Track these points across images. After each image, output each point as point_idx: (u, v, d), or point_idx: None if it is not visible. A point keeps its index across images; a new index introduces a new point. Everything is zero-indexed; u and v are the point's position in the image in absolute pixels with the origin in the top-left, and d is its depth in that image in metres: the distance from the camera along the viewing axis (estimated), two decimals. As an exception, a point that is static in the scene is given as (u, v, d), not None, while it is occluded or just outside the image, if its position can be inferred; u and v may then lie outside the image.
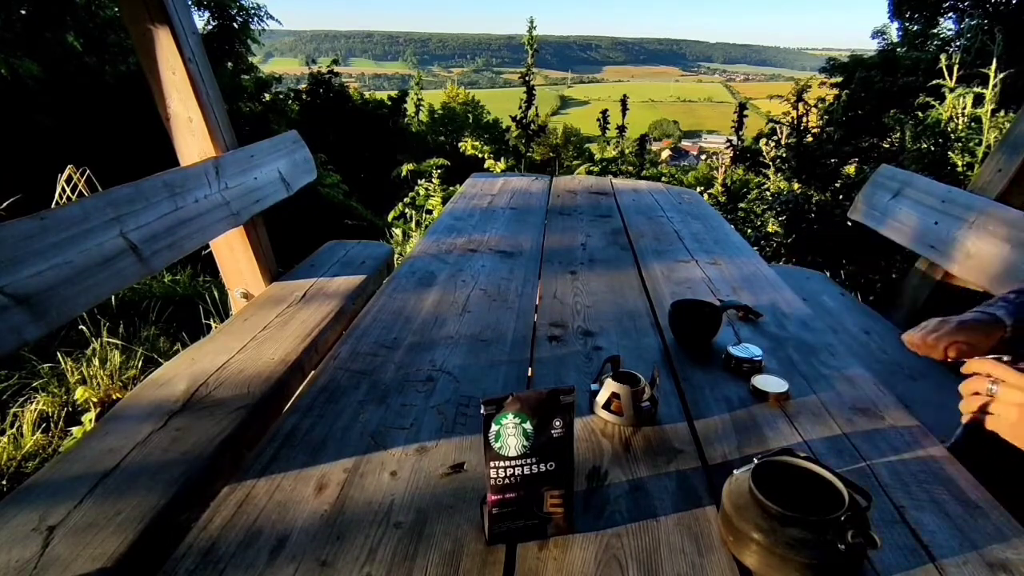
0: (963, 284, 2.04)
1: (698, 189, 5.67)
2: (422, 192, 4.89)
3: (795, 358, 1.28)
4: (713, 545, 0.78)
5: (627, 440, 1.00)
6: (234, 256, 2.30)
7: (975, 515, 0.83)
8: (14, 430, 2.12)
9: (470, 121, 17.92)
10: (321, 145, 7.64)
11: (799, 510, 0.71)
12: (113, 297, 2.91)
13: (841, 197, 4.81)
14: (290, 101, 10.06)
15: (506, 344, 1.33)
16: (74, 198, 3.25)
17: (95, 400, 2.25)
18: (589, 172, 6.27)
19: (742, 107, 6.92)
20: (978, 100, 3.94)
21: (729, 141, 6.69)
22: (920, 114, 4.49)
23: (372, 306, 1.52)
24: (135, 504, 1.06)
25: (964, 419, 0.87)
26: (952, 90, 4.10)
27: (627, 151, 7.26)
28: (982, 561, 0.76)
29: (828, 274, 2.77)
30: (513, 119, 6.46)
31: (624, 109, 7.36)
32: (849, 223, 2.82)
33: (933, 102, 4.31)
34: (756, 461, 0.79)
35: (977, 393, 0.86)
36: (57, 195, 3.31)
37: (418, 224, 4.74)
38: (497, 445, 0.75)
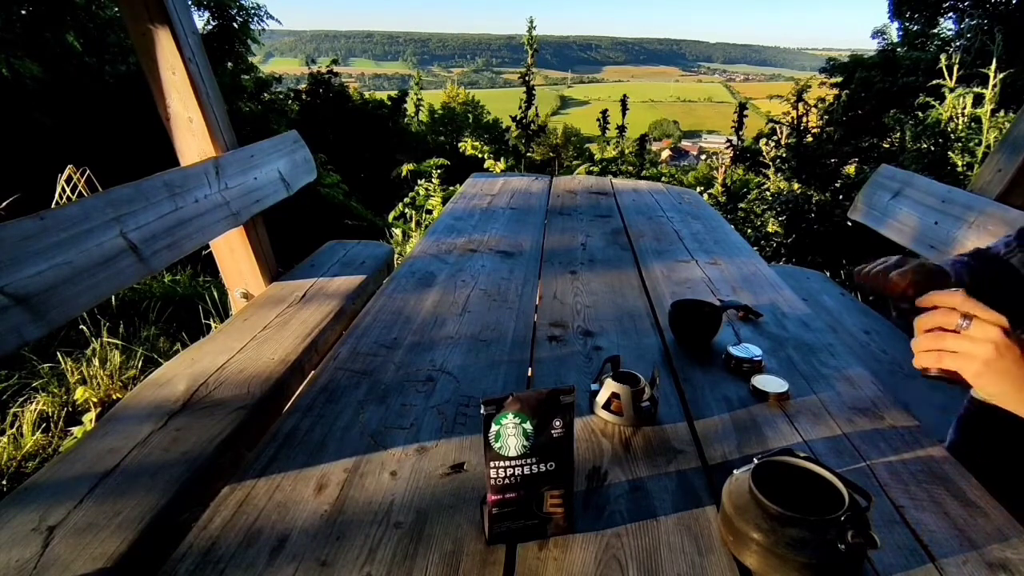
0: (963, 284, 2.04)
1: (698, 189, 5.67)
2: (422, 192, 4.89)
3: (795, 358, 1.28)
4: (713, 545, 0.78)
5: (627, 440, 1.00)
6: (234, 256, 2.30)
7: (975, 515, 0.83)
8: (14, 430, 2.12)
9: (470, 121, 17.91)
10: (321, 145, 7.64)
11: (799, 510, 0.71)
12: (113, 297, 2.91)
13: (841, 197, 4.81)
14: (290, 101, 10.06)
15: (506, 344, 1.33)
16: (74, 198, 3.25)
17: (95, 400, 2.26)
18: (589, 172, 6.27)
19: (742, 107, 6.93)
20: (978, 100, 3.94)
21: (729, 141, 6.69)
22: (920, 114, 4.49)
23: (372, 306, 1.52)
24: (135, 504, 1.06)
25: (917, 361, 0.77)
26: (952, 90, 4.10)
27: (627, 151, 7.26)
28: (982, 561, 0.76)
29: (828, 274, 2.78)
30: (513, 119, 6.46)
31: (624, 109, 7.36)
32: (849, 223, 2.82)
33: (933, 102, 4.31)
34: (756, 461, 0.79)
35: (941, 329, 0.75)
36: (57, 195, 3.31)
37: (418, 224, 4.74)
38: (497, 445, 0.75)
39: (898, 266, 0.99)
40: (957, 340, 0.73)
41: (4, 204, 3.07)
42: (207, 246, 2.26)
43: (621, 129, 7.32)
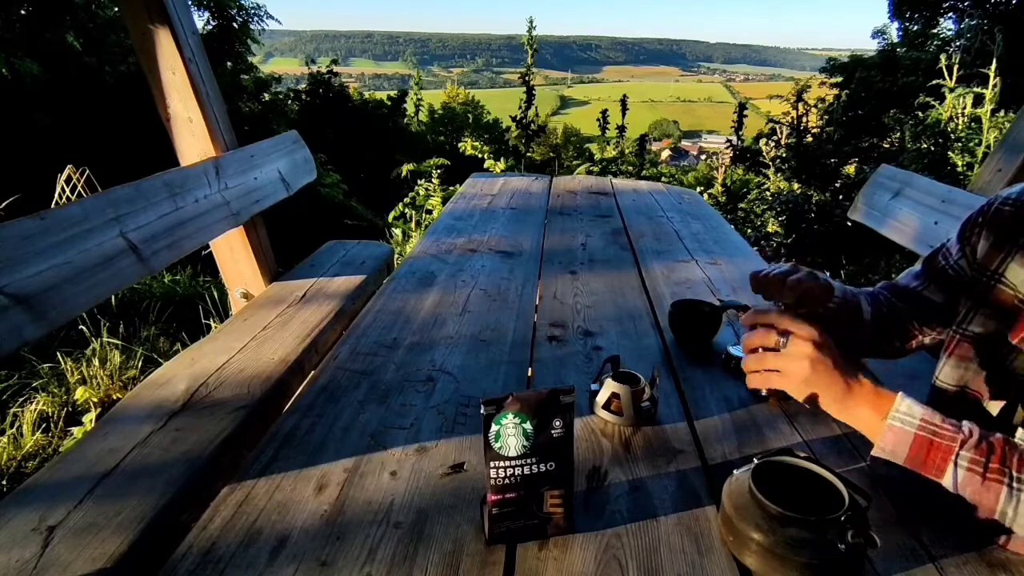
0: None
1: (698, 189, 5.68)
2: (422, 192, 4.89)
3: (795, 358, 1.27)
4: (713, 545, 0.78)
5: (627, 440, 1.00)
6: (234, 256, 2.30)
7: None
8: (14, 430, 2.12)
9: (470, 121, 17.93)
10: (321, 145, 7.65)
11: (799, 510, 0.71)
12: (113, 297, 2.91)
13: (841, 197, 4.82)
14: (290, 101, 10.07)
15: (506, 344, 1.33)
16: (74, 198, 3.25)
17: (95, 400, 2.25)
18: (589, 172, 6.28)
19: (742, 107, 6.93)
20: (978, 100, 3.94)
21: (729, 141, 6.70)
22: (920, 114, 4.49)
23: (372, 306, 1.52)
24: (135, 504, 1.06)
25: (748, 382, 0.80)
26: (952, 90, 4.10)
27: (627, 151, 7.26)
28: (982, 561, 0.76)
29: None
30: (513, 119, 6.47)
31: (624, 109, 7.37)
32: (849, 223, 2.82)
33: (933, 102, 4.31)
34: (756, 461, 0.79)
35: (763, 348, 0.79)
36: (57, 195, 3.31)
37: (418, 224, 4.74)
38: (497, 445, 0.75)
39: (791, 273, 0.96)
40: (776, 359, 0.78)
41: (4, 204, 3.07)
42: (207, 246, 2.26)
43: (621, 129, 7.32)
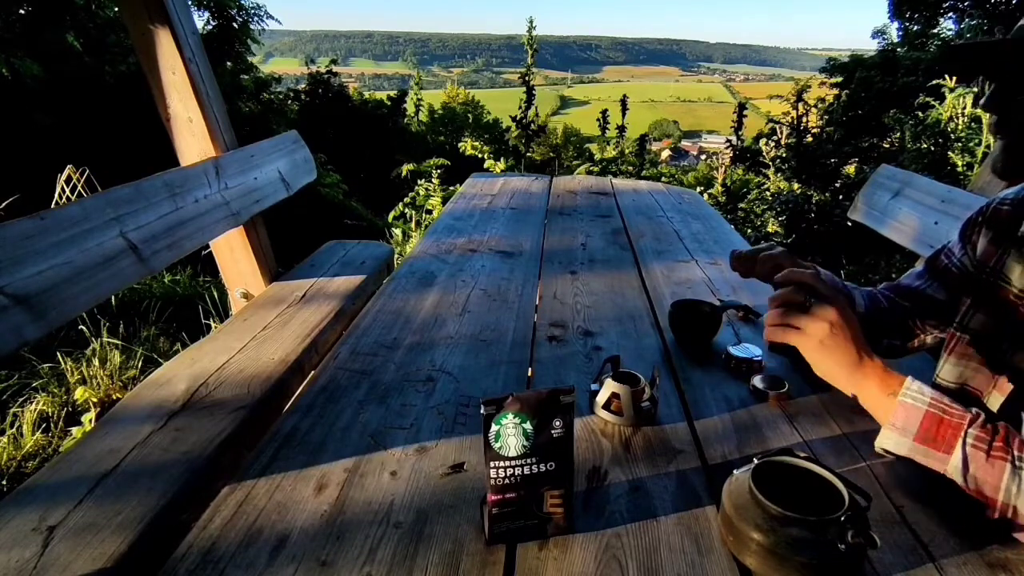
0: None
1: (698, 189, 5.68)
2: (422, 192, 4.90)
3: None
4: (713, 545, 0.78)
5: (627, 440, 1.00)
6: (234, 256, 2.30)
7: (975, 515, 0.83)
8: (14, 430, 2.12)
9: (470, 121, 17.94)
10: (321, 145, 7.65)
11: (799, 510, 0.71)
12: (113, 297, 2.91)
13: (841, 197, 4.82)
14: (290, 101, 10.07)
15: (506, 344, 1.33)
16: (74, 198, 3.25)
17: (95, 400, 2.25)
18: (589, 172, 6.28)
19: (742, 107, 6.94)
20: (978, 100, 3.93)
21: (729, 141, 6.70)
22: (920, 114, 4.49)
23: (372, 306, 1.52)
24: (135, 504, 1.06)
25: (765, 334, 0.81)
26: (952, 90, 4.10)
27: (627, 151, 7.27)
28: (982, 561, 0.76)
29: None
30: (513, 119, 6.47)
31: (624, 109, 7.38)
32: (849, 223, 2.82)
33: (933, 102, 4.31)
34: (756, 461, 0.79)
35: (790, 304, 0.79)
36: (57, 195, 3.31)
37: (418, 224, 4.75)
38: (497, 445, 0.75)
39: (766, 250, 1.04)
40: (799, 316, 0.78)
41: (4, 204, 3.07)
42: (207, 246, 2.26)
43: (621, 129, 7.33)
